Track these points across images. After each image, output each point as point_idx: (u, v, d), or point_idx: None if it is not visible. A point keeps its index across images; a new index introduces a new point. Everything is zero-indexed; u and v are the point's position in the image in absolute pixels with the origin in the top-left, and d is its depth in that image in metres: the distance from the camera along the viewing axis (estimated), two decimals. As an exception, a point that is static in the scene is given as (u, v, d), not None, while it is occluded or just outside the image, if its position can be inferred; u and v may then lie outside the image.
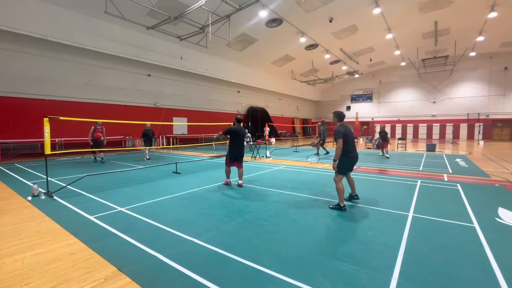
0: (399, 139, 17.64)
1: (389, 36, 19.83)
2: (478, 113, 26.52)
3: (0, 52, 11.16)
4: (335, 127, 4.34)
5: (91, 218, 3.89)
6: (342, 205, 4.23)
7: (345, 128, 4.25)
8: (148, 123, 10.49)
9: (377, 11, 15.67)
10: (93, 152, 10.34)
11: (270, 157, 11.71)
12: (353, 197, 4.71)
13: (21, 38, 11.13)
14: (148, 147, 10.84)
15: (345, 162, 4.30)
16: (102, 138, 9.84)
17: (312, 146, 18.87)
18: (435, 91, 28.94)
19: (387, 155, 11.73)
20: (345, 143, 4.17)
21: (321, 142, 12.77)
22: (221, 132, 6.10)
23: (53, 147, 11.05)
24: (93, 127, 9.78)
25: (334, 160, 4.25)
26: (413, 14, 17.30)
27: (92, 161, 10.25)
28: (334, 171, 4.36)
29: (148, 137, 10.73)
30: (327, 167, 9.01)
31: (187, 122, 18.94)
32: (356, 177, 7.19)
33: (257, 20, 15.43)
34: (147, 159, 10.79)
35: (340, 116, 4.39)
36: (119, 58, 14.48)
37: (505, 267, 2.54)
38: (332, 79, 29.01)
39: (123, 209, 4.30)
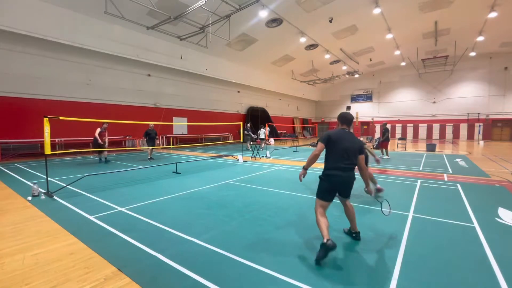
0: (399, 139, 17.64)
1: (389, 36, 19.82)
2: (478, 113, 26.51)
3: (0, 52, 11.17)
4: None
5: (91, 218, 3.89)
6: (324, 241, 2.59)
7: (338, 134, 2.98)
8: (151, 123, 10.50)
9: (377, 11, 15.66)
10: (99, 152, 10.18)
11: (270, 157, 11.71)
12: (352, 234, 3.23)
13: (21, 38, 11.12)
14: (151, 147, 10.83)
15: (322, 183, 3.00)
16: (105, 138, 9.92)
17: (312, 146, 18.88)
18: (435, 91, 28.93)
19: (388, 156, 11.35)
20: (329, 153, 2.97)
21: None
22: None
23: (53, 147, 11.09)
24: (99, 128, 9.72)
25: (303, 168, 3.04)
26: (413, 14, 17.29)
27: (98, 162, 10.13)
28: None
29: (150, 137, 10.73)
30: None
31: (187, 122, 18.95)
32: (356, 177, 7.19)
33: (257, 20, 15.42)
34: (149, 159, 10.77)
35: (340, 118, 3.17)
36: (119, 58, 14.47)
37: (505, 267, 2.54)
38: (332, 79, 29.01)
39: (123, 209, 4.30)
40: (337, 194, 3.08)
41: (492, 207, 4.44)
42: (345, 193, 3.10)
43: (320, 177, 3.05)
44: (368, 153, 5.16)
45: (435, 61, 25.44)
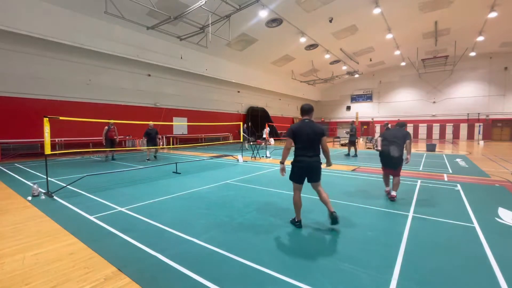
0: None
1: (389, 36, 19.82)
2: (478, 113, 26.52)
3: (0, 52, 11.17)
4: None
5: (91, 218, 3.89)
6: (296, 220, 3.60)
7: (300, 125, 3.46)
8: (151, 122, 10.42)
9: (377, 11, 15.66)
10: (105, 151, 10.78)
11: (270, 157, 11.71)
12: (332, 214, 3.41)
13: (21, 38, 11.12)
14: (151, 147, 10.68)
15: (293, 168, 3.57)
16: (115, 137, 10.34)
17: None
18: (435, 91, 28.94)
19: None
20: (296, 143, 3.50)
21: None
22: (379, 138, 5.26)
23: (53, 147, 11.10)
24: (106, 127, 10.15)
25: (280, 163, 3.52)
26: (413, 14, 17.29)
27: (104, 160, 10.46)
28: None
29: (151, 137, 10.51)
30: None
31: (187, 122, 18.95)
32: (356, 177, 7.19)
33: (257, 20, 15.42)
34: (147, 159, 10.70)
35: (300, 110, 3.63)
36: (119, 58, 14.47)
37: (505, 267, 2.54)
38: (332, 79, 29.01)
39: (123, 209, 4.29)
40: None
41: (492, 207, 4.44)
42: (313, 177, 3.53)
43: (291, 163, 3.59)
44: (405, 148, 4.95)
45: (435, 61, 25.45)
